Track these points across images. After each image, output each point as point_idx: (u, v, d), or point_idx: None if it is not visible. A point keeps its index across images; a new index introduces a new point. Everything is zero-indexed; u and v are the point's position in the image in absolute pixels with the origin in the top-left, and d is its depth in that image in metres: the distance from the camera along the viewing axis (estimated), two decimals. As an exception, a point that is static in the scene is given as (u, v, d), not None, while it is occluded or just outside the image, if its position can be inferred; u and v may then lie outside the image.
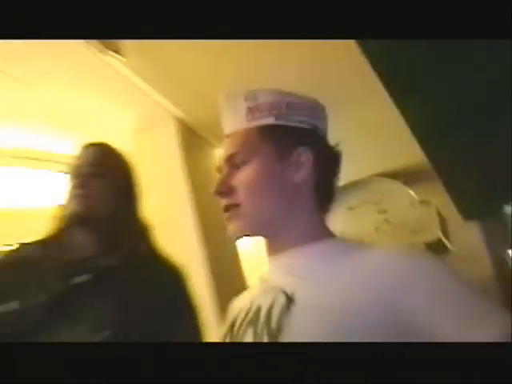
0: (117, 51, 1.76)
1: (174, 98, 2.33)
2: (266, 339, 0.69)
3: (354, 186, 3.79)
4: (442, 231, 3.80)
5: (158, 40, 1.60)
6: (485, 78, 2.09)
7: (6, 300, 1.05)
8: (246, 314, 0.78)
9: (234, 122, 0.83)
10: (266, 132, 0.80)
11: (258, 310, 0.75)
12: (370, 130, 3.19)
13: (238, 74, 2.15)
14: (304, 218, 0.80)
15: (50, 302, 1.05)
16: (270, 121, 0.80)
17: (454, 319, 0.61)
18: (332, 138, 0.87)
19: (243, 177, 0.79)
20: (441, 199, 3.96)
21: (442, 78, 2.07)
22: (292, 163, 0.80)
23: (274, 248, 0.82)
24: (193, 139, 2.61)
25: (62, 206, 1.17)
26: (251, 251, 2.81)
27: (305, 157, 0.80)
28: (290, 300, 0.70)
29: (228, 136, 0.84)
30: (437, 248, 3.65)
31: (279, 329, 0.68)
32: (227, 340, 0.79)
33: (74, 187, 1.16)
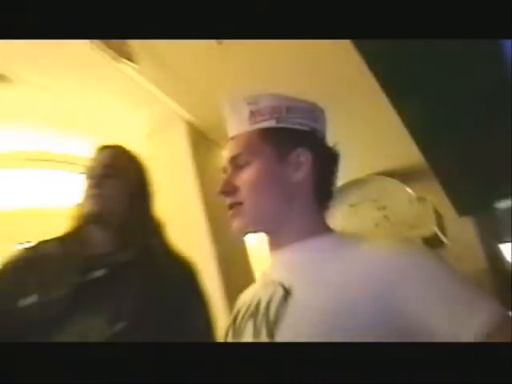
0: (130, 59, 1.76)
1: (184, 103, 2.34)
2: (264, 331, 0.69)
3: (355, 184, 3.78)
4: (438, 227, 3.79)
5: (164, 40, 1.58)
6: (480, 79, 2.06)
7: (26, 294, 1.06)
8: (248, 307, 0.78)
9: (237, 125, 0.84)
10: (268, 134, 0.80)
11: (259, 303, 0.75)
12: (370, 131, 3.18)
13: (244, 80, 2.15)
14: (304, 215, 0.80)
15: (69, 295, 1.05)
16: (272, 124, 0.80)
17: (442, 307, 0.61)
18: (332, 139, 0.86)
19: (246, 177, 0.80)
20: (437, 196, 3.97)
21: (438, 78, 2.04)
22: (291, 163, 0.80)
23: (275, 243, 0.82)
24: (202, 141, 2.62)
25: (79, 205, 1.17)
26: (258, 247, 2.80)
27: (304, 157, 0.80)
28: (287, 293, 0.70)
29: (232, 138, 0.84)
30: (433, 242, 3.65)
31: (276, 321, 0.68)
32: (230, 332, 0.80)
33: (90, 187, 1.16)
